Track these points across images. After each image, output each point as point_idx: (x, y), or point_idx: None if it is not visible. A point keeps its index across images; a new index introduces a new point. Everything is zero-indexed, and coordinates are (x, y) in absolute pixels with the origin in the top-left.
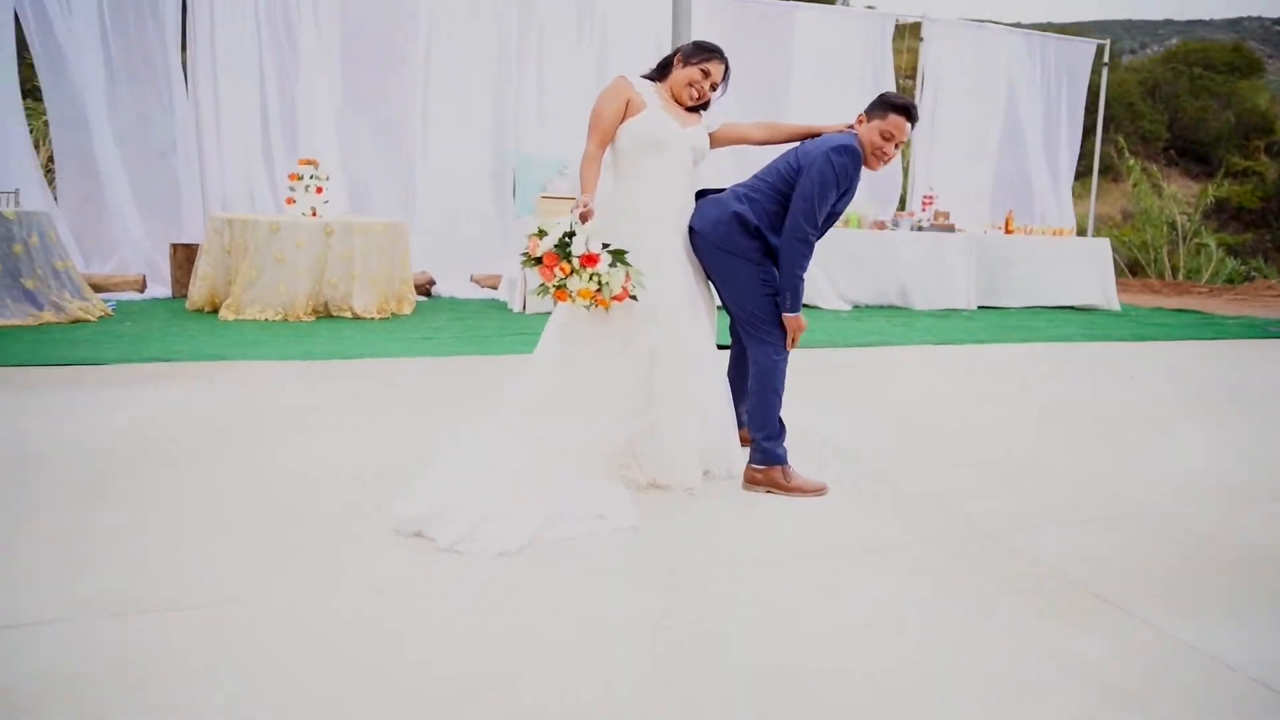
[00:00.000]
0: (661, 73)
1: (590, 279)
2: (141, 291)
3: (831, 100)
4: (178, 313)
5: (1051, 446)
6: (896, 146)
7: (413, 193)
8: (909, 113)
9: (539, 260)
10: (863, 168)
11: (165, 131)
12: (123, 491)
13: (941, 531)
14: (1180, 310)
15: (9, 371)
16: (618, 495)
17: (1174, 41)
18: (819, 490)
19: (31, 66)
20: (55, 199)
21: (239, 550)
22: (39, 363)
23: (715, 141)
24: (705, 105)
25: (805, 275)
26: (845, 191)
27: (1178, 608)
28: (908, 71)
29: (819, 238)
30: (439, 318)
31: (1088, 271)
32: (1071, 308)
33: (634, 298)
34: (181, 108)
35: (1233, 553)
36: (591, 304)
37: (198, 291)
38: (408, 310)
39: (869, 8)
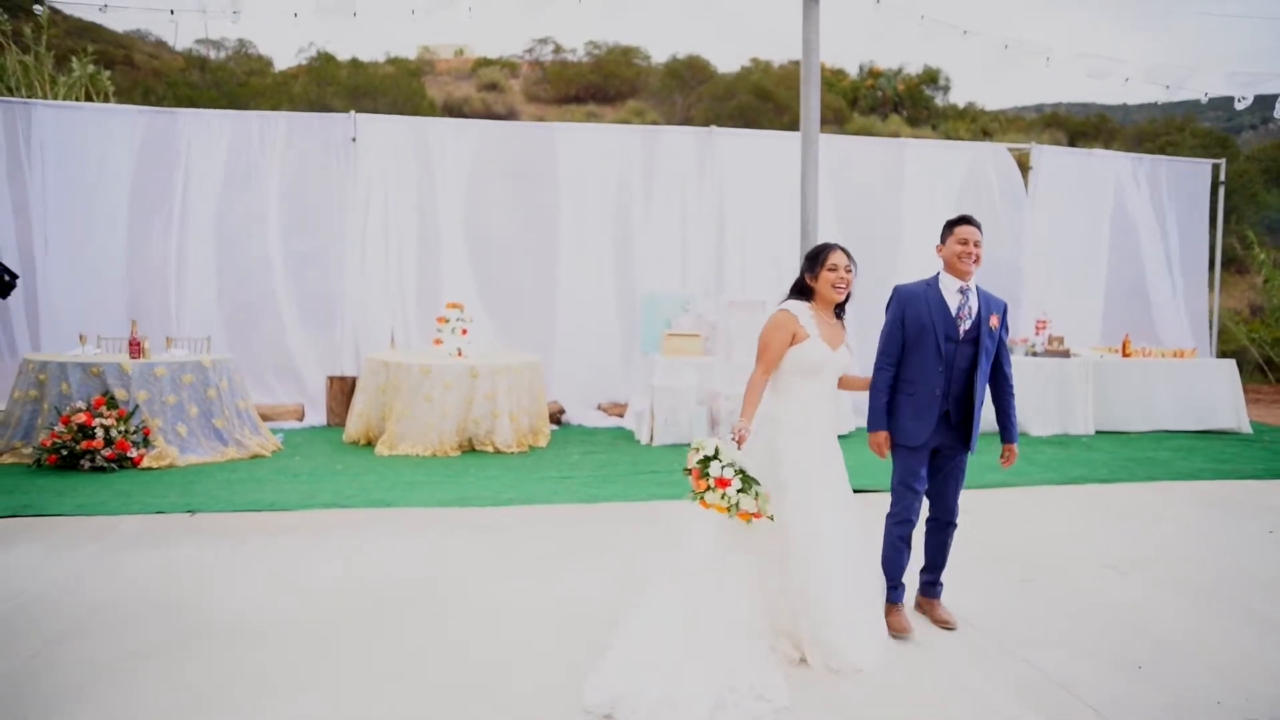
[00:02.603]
0: (804, 291)
1: (723, 498)
2: (300, 420)
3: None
4: (337, 445)
5: (1189, 621)
6: (975, 245)
7: (550, 330)
8: (968, 220)
9: (689, 471)
10: (954, 278)
11: (330, 274)
12: (317, 670)
13: (1070, 717)
14: None
15: (213, 520)
16: (773, 675)
17: None
18: (903, 630)
19: None
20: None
21: None
22: (234, 508)
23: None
24: (849, 296)
25: (884, 401)
26: (902, 320)
27: None
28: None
29: (890, 362)
30: (572, 451)
31: (1214, 392)
32: (1197, 432)
33: (770, 517)
34: (347, 252)
35: None
36: (732, 514)
37: (354, 426)
38: (543, 443)
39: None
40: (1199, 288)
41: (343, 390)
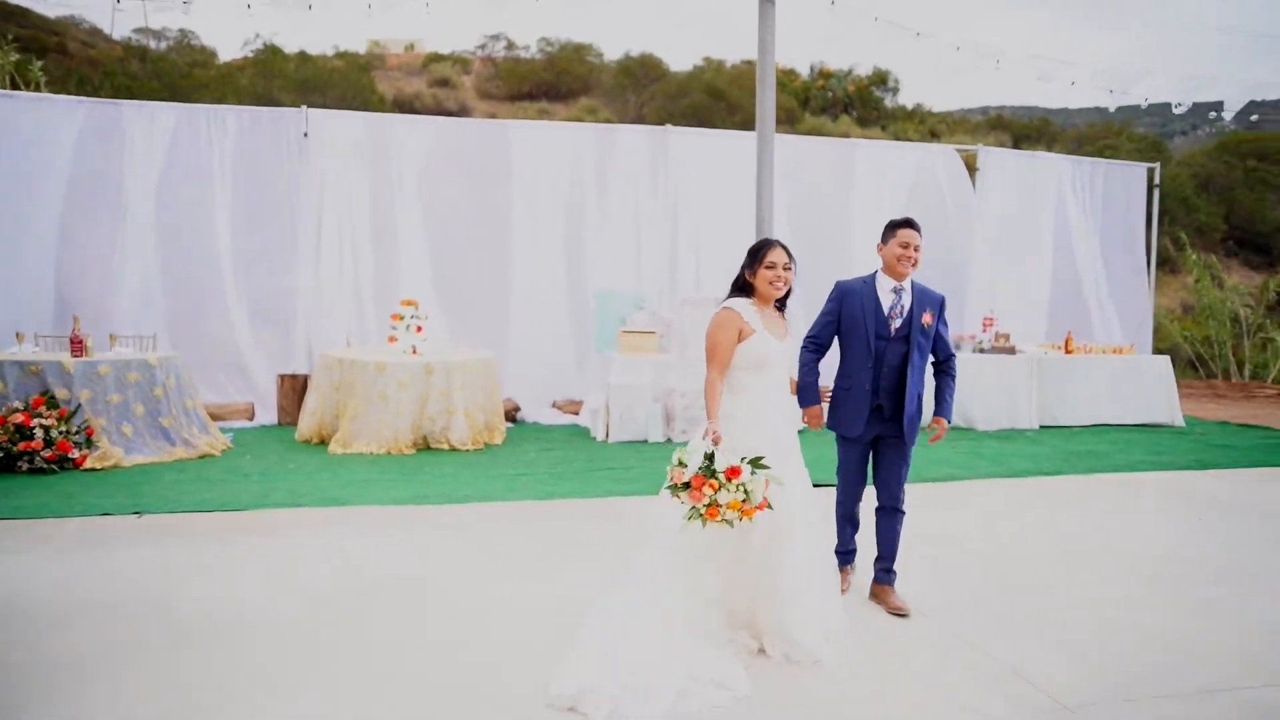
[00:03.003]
0: (744, 287)
1: (737, 489)
2: (250, 419)
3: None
4: (289, 443)
5: (1129, 604)
6: (915, 250)
7: (505, 327)
8: (911, 224)
9: (687, 485)
10: (890, 278)
11: (281, 271)
12: (276, 669)
13: (1023, 706)
14: (1246, 425)
15: (162, 520)
16: (734, 665)
17: (1226, 123)
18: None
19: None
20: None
21: None
22: (184, 508)
23: None
24: (789, 291)
25: (811, 379)
26: (838, 313)
27: None
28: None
29: (816, 345)
30: (528, 448)
31: (1150, 388)
32: (1135, 425)
33: (770, 507)
34: (299, 248)
35: None
36: (738, 516)
37: (307, 424)
38: (499, 440)
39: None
40: (1137, 287)
41: (294, 388)
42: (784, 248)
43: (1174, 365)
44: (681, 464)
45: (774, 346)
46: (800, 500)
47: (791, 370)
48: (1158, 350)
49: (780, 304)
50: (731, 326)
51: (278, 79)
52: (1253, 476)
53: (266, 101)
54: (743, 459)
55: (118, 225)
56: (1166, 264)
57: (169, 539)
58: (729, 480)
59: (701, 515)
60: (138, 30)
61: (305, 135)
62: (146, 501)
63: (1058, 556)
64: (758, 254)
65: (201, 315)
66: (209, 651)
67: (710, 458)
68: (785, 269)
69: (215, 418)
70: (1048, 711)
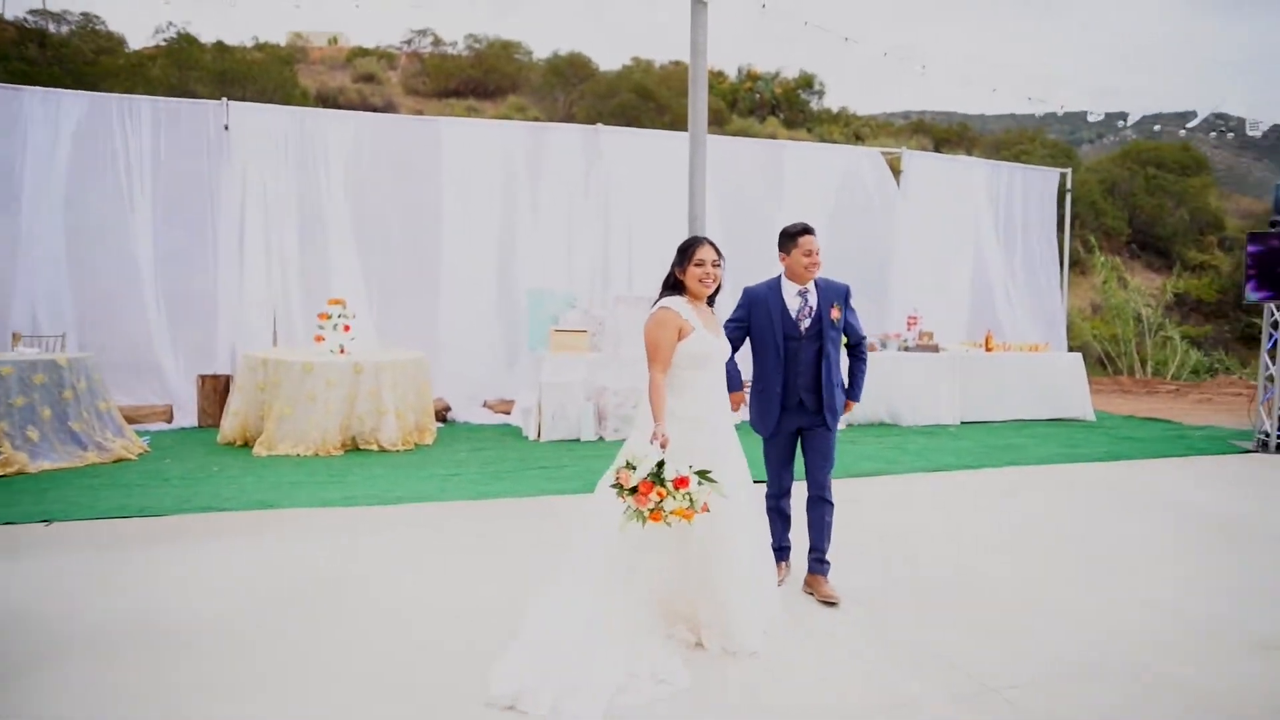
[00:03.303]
0: (675, 286)
1: (683, 498)
2: (169, 422)
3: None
4: (211, 446)
5: (1050, 590)
6: (818, 254)
7: (435, 326)
8: (810, 230)
9: (634, 489)
10: (794, 283)
11: (201, 269)
12: (212, 673)
13: (952, 690)
14: (1150, 419)
15: (75, 528)
16: (672, 660)
17: (1129, 133)
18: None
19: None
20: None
21: None
22: (99, 515)
23: None
24: (719, 287)
25: (730, 366)
26: (748, 321)
27: None
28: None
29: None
30: (459, 448)
31: (1063, 384)
32: (1050, 420)
33: (709, 510)
34: (220, 246)
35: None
36: (678, 520)
37: (230, 426)
38: (429, 440)
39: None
40: (1050, 287)
41: (215, 389)
42: (713, 245)
43: (1085, 362)
44: (630, 466)
45: (713, 344)
46: (742, 495)
47: None
48: (1071, 348)
49: (710, 300)
50: (671, 326)
51: (193, 70)
52: (1157, 466)
53: (181, 93)
54: (691, 468)
55: (17, 219)
56: (1077, 265)
57: (83, 548)
58: (677, 489)
59: (644, 517)
60: (34, 12)
61: (226, 129)
62: (56, 509)
63: (982, 546)
64: (687, 252)
65: (114, 314)
66: (130, 662)
67: (661, 465)
68: (715, 265)
69: (131, 420)
70: (975, 694)
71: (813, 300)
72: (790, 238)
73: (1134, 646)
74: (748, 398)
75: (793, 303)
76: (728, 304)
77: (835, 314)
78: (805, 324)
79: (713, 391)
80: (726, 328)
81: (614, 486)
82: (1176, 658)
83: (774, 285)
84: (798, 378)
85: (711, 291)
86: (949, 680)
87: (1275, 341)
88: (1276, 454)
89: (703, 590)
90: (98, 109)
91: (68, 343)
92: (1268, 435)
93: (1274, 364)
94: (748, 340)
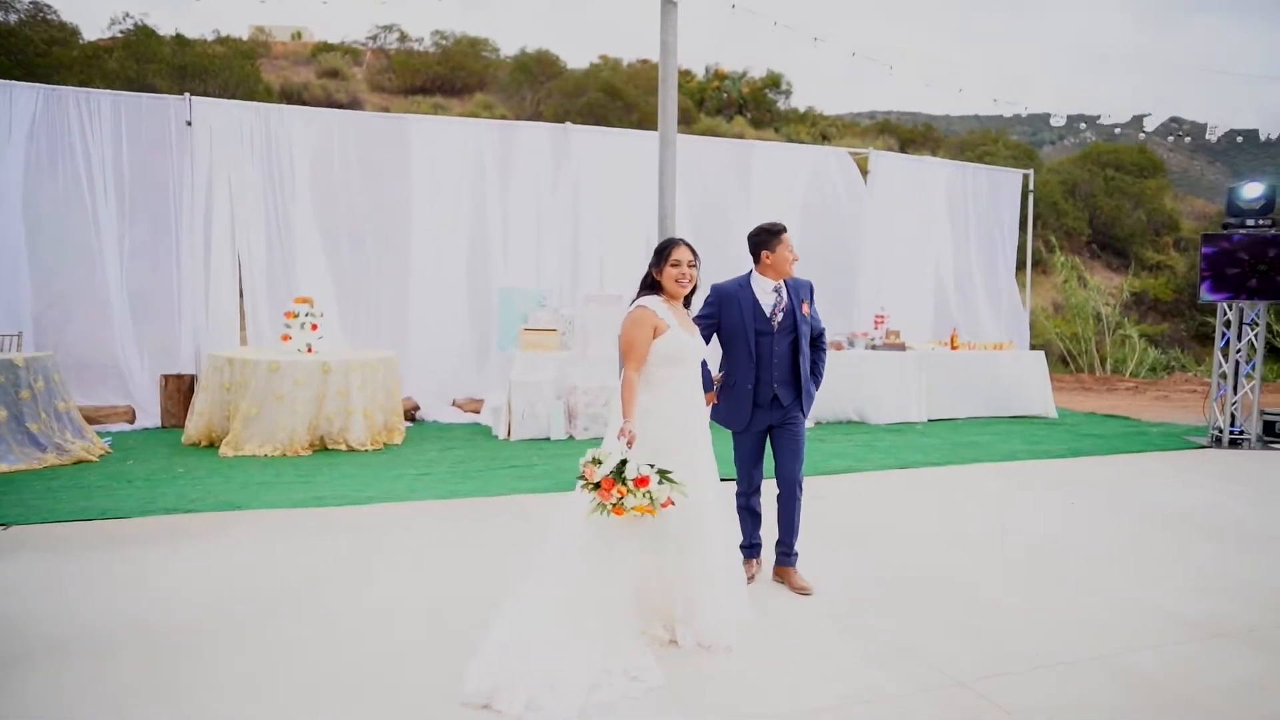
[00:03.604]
0: (653, 286)
1: (643, 496)
2: (131, 422)
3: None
4: (175, 447)
5: (1013, 583)
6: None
7: (404, 325)
8: (785, 228)
9: (598, 485)
10: (768, 279)
11: (164, 267)
12: (187, 679)
13: (923, 681)
14: (1110, 416)
15: (34, 532)
16: (645, 657)
17: (1089, 135)
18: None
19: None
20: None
21: None
22: (59, 518)
23: None
24: (695, 288)
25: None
26: (718, 319)
27: None
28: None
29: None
30: (429, 447)
31: (1026, 381)
32: (1013, 417)
33: (674, 504)
34: (183, 243)
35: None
36: (641, 516)
37: (195, 427)
38: (399, 440)
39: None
40: (1013, 287)
41: (179, 390)
42: (689, 246)
43: (1047, 360)
44: (596, 461)
45: (688, 342)
46: (712, 493)
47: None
48: (1033, 347)
49: (686, 301)
50: (646, 324)
51: (152, 63)
52: (1117, 462)
53: (139, 87)
54: (652, 466)
55: None
56: (1039, 265)
57: (41, 551)
58: (637, 488)
59: (607, 509)
60: None
61: (189, 124)
62: (14, 512)
63: (948, 541)
64: (663, 252)
65: (75, 313)
66: (91, 667)
67: (623, 464)
68: (690, 266)
69: (91, 421)
70: (940, 685)
71: (785, 296)
72: (774, 235)
73: (1096, 637)
74: (717, 396)
75: (767, 299)
76: (697, 302)
77: (806, 309)
78: (779, 319)
79: (686, 389)
80: (699, 318)
81: (579, 479)
82: (1132, 646)
83: (744, 282)
84: (771, 372)
85: (688, 292)
86: (915, 671)
87: (1228, 340)
88: (1229, 449)
89: (678, 586)
90: (54, 101)
91: (24, 341)
92: (1221, 431)
93: (1227, 362)
94: (715, 338)
